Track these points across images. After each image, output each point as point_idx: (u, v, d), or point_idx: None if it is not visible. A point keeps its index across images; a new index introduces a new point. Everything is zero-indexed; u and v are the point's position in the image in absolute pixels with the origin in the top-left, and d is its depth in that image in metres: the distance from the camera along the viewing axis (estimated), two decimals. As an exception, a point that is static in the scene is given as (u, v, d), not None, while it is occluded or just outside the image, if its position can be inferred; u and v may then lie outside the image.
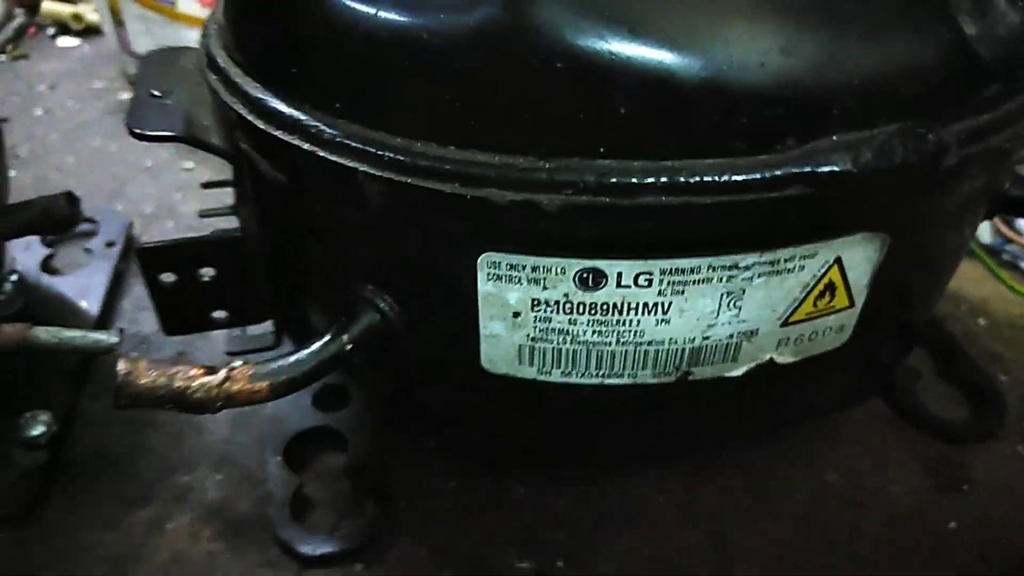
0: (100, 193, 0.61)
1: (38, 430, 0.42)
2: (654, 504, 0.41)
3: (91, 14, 0.82)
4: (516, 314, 0.30)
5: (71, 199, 0.38)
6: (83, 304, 0.50)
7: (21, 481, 0.41)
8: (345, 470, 0.42)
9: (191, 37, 0.69)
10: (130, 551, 0.39)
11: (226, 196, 0.60)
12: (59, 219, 0.38)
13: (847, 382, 0.38)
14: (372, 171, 0.28)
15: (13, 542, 0.40)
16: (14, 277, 0.52)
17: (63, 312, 0.50)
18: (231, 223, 0.39)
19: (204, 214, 0.40)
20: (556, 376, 0.32)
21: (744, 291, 0.29)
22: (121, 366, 0.28)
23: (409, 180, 0.27)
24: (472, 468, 0.42)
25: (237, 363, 0.31)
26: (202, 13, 0.68)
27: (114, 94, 0.74)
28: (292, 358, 0.31)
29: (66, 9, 0.82)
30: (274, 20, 0.30)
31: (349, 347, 0.32)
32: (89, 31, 0.83)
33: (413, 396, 0.37)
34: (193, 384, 0.29)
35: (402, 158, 0.27)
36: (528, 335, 0.31)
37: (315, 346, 0.32)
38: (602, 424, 0.35)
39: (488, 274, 0.29)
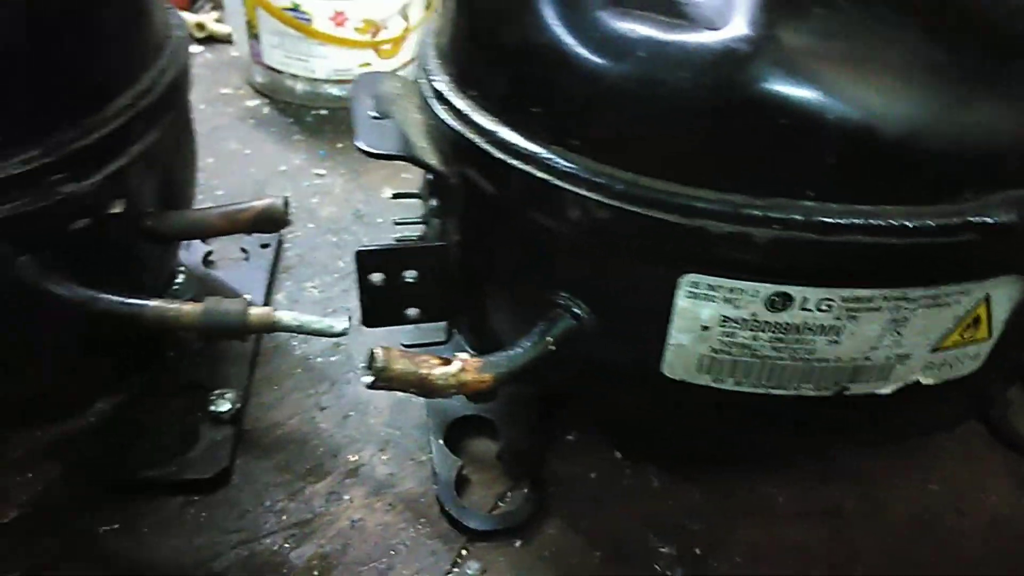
0: (243, 194, 0.67)
1: (225, 407, 0.48)
2: (776, 502, 0.46)
3: (213, 24, 0.88)
4: (705, 328, 0.35)
5: (286, 203, 0.44)
6: (248, 297, 0.55)
7: (210, 452, 0.46)
8: (499, 455, 0.47)
9: (323, 52, 0.75)
10: (313, 517, 0.44)
11: (349, 201, 0.65)
12: (276, 220, 0.43)
13: (965, 404, 0.42)
14: (602, 200, 0.33)
15: (205, 506, 0.45)
16: (181, 269, 0.57)
17: (231, 302, 0.55)
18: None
19: (399, 222, 0.45)
20: (728, 384, 0.37)
21: (907, 320, 0.34)
22: (380, 353, 0.34)
23: (635, 209, 0.33)
24: (611, 460, 0.47)
25: (464, 355, 0.36)
26: (336, 32, 0.73)
27: (242, 100, 0.80)
28: (509, 354, 0.36)
29: (191, 18, 0.88)
30: (518, 65, 0.35)
31: (553, 348, 0.37)
32: (211, 39, 0.88)
33: (583, 392, 0.42)
34: (434, 372, 0.34)
35: (631, 190, 0.32)
36: (711, 347, 0.36)
37: (526, 345, 0.37)
38: (755, 428, 0.40)
39: (687, 292, 0.34)
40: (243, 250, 0.60)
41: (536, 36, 0.34)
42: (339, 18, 0.73)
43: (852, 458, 0.47)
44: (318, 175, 0.70)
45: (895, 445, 0.47)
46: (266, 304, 0.56)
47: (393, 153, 0.39)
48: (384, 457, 0.48)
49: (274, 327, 0.38)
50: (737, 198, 0.31)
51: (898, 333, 0.35)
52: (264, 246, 0.60)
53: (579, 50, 0.32)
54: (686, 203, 0.32)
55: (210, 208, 0.45)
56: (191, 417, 0.48)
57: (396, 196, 0.48)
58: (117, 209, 0.41)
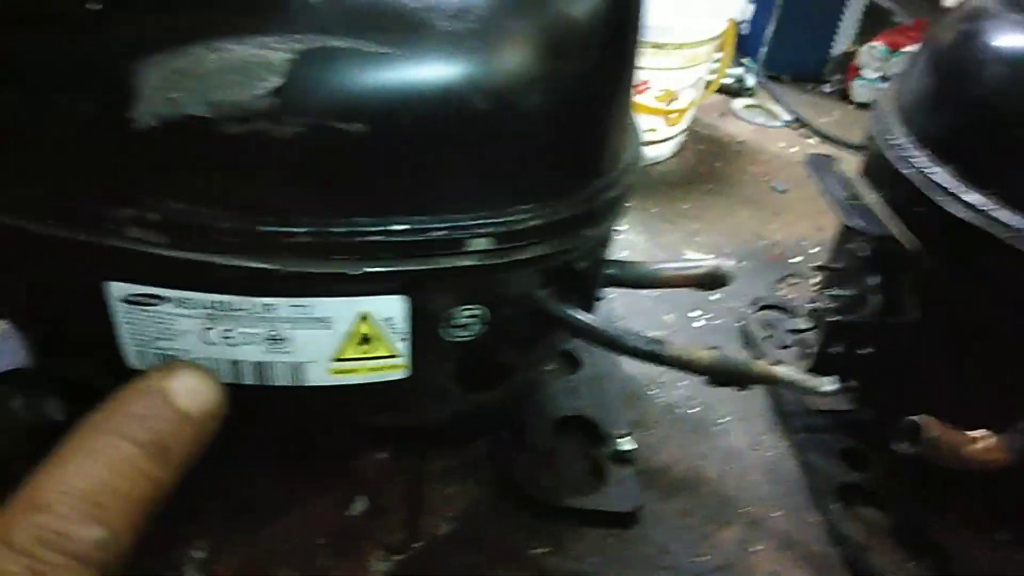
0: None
1: (628, 446, 0.50)
2: None
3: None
4: None
5: (732, 266, 0.47)
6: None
7: (622, 488, 0.49)
8: (895, 526, 0.49)
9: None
10: (731, 563, 0.47)
11: (654, 259, 0.67)
12: (723, 280, 0.46)
13: None
14: None
15: (623, 540, 0.47)
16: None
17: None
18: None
19: (832, 295, 0.48)
20: None
21: None
22: (930, 425, 0.36)
23: None
24: (994, 540, 0.49)
25: (983, 432, 0.38)
26: (638, 98, 0.78)
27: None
28: (1020, 437, 0.39)
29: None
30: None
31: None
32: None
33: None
34: (975, 447, 0.37)
35: None
36: None
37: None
38: None
39: None
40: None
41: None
42: (643, 86, 0.77)
43: None
44: (617, 230, 0.74)
45: None
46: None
47: (879, 234, 0.43)
48: (776, 514, 0.50)
49: (773, 379, 0.41)
50: None
51: None
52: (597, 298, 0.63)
53: None
54: None
55: (664, 263, 0.48)
56: (594, 452, 0.51)
57: (819, 268, 0.51)
58: (602, 255, 0.44)
